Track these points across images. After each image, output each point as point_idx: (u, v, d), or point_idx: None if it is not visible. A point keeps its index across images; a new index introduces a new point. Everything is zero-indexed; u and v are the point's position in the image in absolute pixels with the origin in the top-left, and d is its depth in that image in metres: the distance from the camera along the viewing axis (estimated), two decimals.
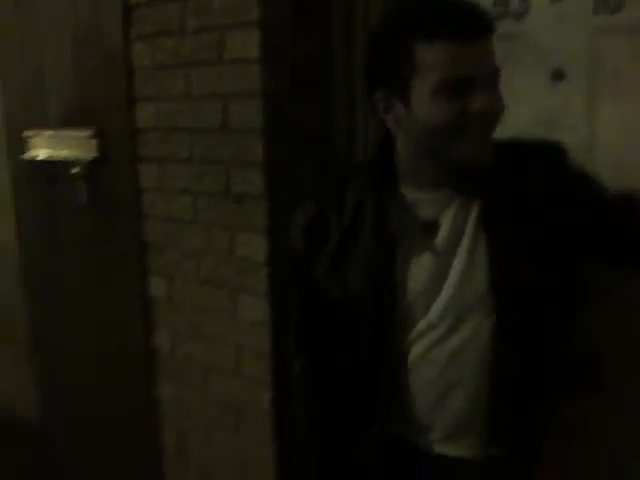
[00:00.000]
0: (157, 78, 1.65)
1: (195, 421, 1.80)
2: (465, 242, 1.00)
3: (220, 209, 1.60)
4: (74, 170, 1.90)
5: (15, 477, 2.59)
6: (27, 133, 2.07)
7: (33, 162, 2.07)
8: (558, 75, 1.50)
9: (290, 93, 1.51)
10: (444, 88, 0.88)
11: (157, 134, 1.69)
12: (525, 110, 1.54)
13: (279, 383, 1.58)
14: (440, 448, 1.11)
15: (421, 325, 1.05)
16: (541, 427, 1.10)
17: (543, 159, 1.02)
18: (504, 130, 1.08)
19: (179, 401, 1.83)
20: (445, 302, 1.02)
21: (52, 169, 2.01)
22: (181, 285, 1.75)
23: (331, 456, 1.21)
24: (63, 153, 1.94)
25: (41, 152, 2.03)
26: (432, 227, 1.01)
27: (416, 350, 1.06)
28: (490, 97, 0.90)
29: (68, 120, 1.93)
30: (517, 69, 1.56)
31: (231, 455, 1.72)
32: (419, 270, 1.03)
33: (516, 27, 1.54)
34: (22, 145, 2.10)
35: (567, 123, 1.49)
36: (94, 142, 1.83)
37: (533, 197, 0.99)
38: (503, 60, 1.56)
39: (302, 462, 1.35)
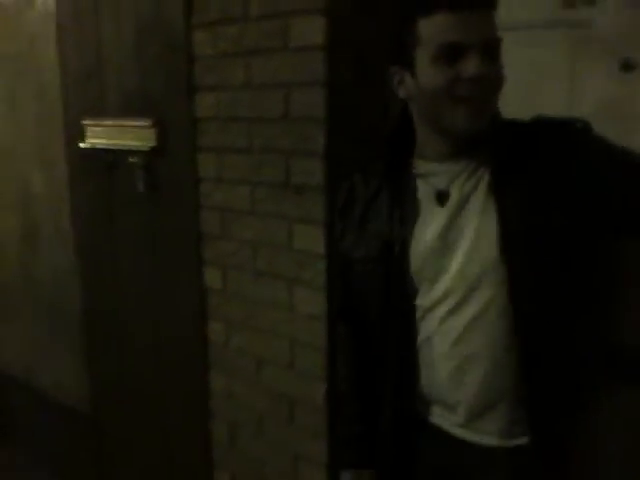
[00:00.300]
0: (218, 67, 1.64)
1: (247, 412, 1.79)
2: (475, 210, 1.02)
3: (279, 200, 1.58)
4: (132, 159, 1.91)
5: (70, 465, 2.65)
6: (85, 121, 2.09)
7: (91, 150, 2.09)
8: (627, 65, 1.43)
9: (353, 82, 1.48)
10: (440, 55, 0.95)
11: (217, 124, 1.68)
12: (591, 99, 1.48)
13: (334, 378, 1.55)
14: (461, 433, 1.11)
15: (432, 296, 1.07)
16: (569, 417, 1.06)
17: (562, 134, 1.02)
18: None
19: (231, 392, 1.82)
20: (455, 271, 1.03)
21: (110, 157, 2.03)
22: (236, 276, 1.74)
23: (363, 428, 1.25)
24: (121, 142, 1.95)
25: (99, 140, 2.04)
26: (443, 196, 1.05)
27: (428, 323, 1.09)
28: (482, 64, 0.94)
29: (127, 109, 1.94)
30: (585, 57, 1.50)
31: (283, 447, 1.71)
32: (429, 238, 1.06)
33: (585, 14, 1.48)
34: (80, 133, 2.12)
35: (635, 115, 1.43)
36: (153, 131, 1.84)
37: (548, 170, 0.99)
38: (572, 47, 1.51)
39: None
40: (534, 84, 1.54)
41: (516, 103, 1.53)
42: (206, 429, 1.92)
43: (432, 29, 0.96)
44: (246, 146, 1.62)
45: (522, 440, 1.06)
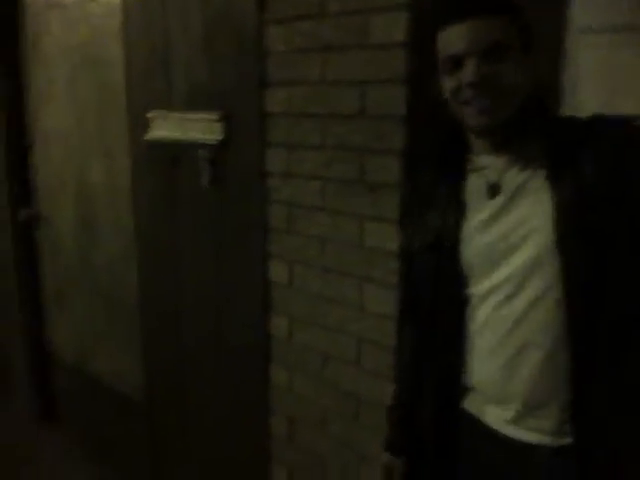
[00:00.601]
0: (291, 62, 1.64)
1: (309, 408, 1.79)
2: (529, 200, 1.06)
3: (350, 197, 1.57)
4: (198, 152, 1.92)
5: (120, 451, 2.69)
6: (150, 113, 2.11)
7: (155, 143, 2.11)
8: None
9: (432, 79, 1.46)
10: (445, 66, 1.08)
11: (288, 119, 1.68)
12: None
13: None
14: (510, 430, 1.12)
15: (485, 285, 1.11)
16: (618, 419, 1.05)
17: (619, 130, 1.05)
18: None
19: (293, 387, 1.83)
20: (510, 260, 1.06)
21: (174, 150, 2.04)
22: (302, 271, 1.74)
23: (403, 417, 1.35)
24: (187, 135, 1.96)
25: (164, 133, 2.06)
26: (494, 189, 1.10)
27: (481, 312, 1.13)
28: (480, 69, 1.02)
29: (194, 102, 1.95)
30: None
31: (346, 445, 1.71)
32: (480, 229, 1.12)
33: None
34: (144, 126, 2.14)
35: None
36: (221, 125, 1.84)
37: (604, 164, 1.01)
38: None
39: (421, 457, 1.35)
40: (614, 87, 1.51)
41: (597, 105, 1.50)
42: (265, 422, 1.93)
43: (440, 43, 1.09)
44: (318, 142, 1.62)
45: (568, 440, 1.06)
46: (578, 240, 1.01)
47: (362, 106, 1.50)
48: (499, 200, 1.09)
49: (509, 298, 1.08)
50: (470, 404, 1.20)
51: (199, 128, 1.92)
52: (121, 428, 2.67)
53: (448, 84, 1.09)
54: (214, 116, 1.85)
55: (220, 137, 1.85)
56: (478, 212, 1.13)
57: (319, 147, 1.62)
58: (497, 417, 1.13)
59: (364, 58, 1.47)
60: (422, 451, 1.27)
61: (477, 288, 1.14)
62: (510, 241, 1.07)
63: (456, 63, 1.06)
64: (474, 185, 1.15)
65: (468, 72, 1.04)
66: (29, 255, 3.11)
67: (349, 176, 1.56)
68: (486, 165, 1.13)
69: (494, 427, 1.14)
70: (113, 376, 2.69)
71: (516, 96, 1.06)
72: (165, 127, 2.05)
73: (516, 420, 1.10)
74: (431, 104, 1.45)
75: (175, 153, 2.04)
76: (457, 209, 1.16)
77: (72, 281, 2.87)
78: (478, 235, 1.12)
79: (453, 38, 1.05)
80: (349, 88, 1.52)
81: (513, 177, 1.08)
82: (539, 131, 1.09)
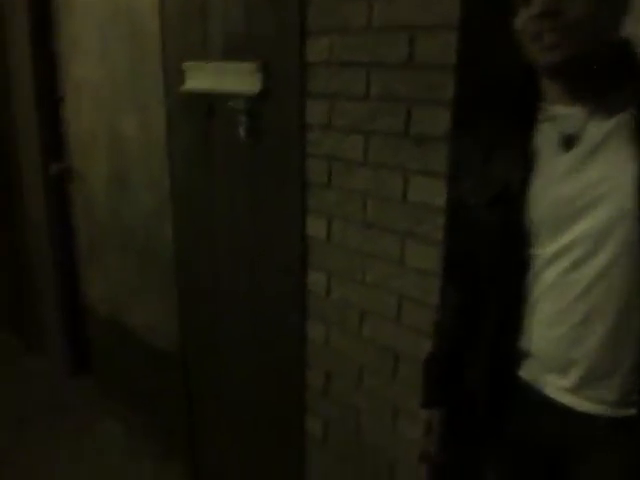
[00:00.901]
0: (334, 8, 1.57)
1: (345, 363, 1.79)
2: (610, 156, 0.98)
3: (395, 150, 1.52)
4: (234, 104, 1.87)
5: (153, 401, 2.73)
6: (186, 64, 2.06)
7: (190, 94, 2.06)
8: None
9: (487, 25, 1.39)
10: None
11: (329, 68, 1.62)
12: None
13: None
14: (568, 399, 1.07)
15: (554, 246, 1.03)
16: None
17: None
18: None
19: (330, 342, 1.82)
20: (584, 221, 0.99)
21: (210, 102, 2.00)
22: (342, 227, 1.70)
23: (441, 371, 1.34)
24: (224, 86, 1.91)
25: (200, 84, 2.01)
26: (570, 141, 1.01)
27: (547, 276, 1.05)
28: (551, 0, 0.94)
29: (232, 52, 1.89)
30: None
31: (382, 400, 1.70)
32: (552, 184, 1.03)
33: None
34: (179, 77, 2.09)
35: None
36: (258, 75, 1.79)
37: None
38: None
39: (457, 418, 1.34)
40: None
41: None
42: (300, 376, 1.93)
43: None
44: (362, 93, 1.56)
45: (631, 411, 1.02)
46: None
47: (410, 54, 1.44)
48: (576, 153, 1.01)
49: (580, 262, 1.01)
50: (527, 371, 1.15)
51: (237, 78, 1.87)
52: (155, 381, 2.71)
53: (519, 19, 1.02)
54: (252, 66, 1.80)
55: (258, 88, 1.80)
56: (550, 165, 1.05)
57: (363, 98, 1.56)
58: (556, 385, 1.09)
59: (413, 2, 1.40)
60: (472, 409, 1.24)
61: (544, 250, 1.06)
62: (585, 199, 0.99)
63: None
64: (546, 136, 1.07)
65: (536, 2, 0.97)
66: (62, 209, 3.13)
67: (394, 128, 1.51)
68: (561, 114, 1.04)
69: (551, 395, 1.10)
70: (147, 329, 2.72)
71: (587, 31, 0.96)
72: (201, 78, 2.01)
73: (576, 389, 1.06)
74: (490, 51, 1.39)
75: (211, 105, 2.00)
76: (525, 161, 1.07)
77: (106, 235, 2.88)
78: (549, 190, 1.04)
79: None
80: (396, 35, 1.45)
81: (594, 129, 1.00)
82: (625, 79, 1.00)
